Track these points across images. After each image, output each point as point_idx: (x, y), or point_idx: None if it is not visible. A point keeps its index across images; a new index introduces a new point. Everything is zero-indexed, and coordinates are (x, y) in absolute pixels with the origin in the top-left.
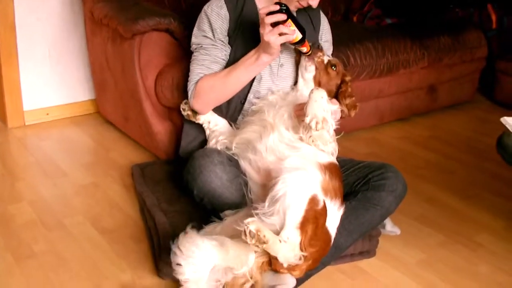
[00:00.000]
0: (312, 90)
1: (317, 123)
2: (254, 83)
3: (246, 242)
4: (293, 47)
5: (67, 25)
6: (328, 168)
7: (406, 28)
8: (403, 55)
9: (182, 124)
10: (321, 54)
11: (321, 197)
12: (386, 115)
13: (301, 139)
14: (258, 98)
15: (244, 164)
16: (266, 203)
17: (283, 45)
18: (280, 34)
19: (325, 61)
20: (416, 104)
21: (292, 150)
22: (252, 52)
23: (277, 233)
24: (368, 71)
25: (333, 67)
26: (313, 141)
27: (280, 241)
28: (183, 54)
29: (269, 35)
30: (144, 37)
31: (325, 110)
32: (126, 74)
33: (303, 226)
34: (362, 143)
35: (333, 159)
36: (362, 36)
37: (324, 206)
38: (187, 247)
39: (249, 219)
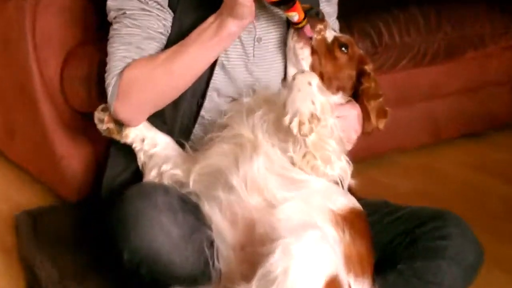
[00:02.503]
0: (294, 74)
1: (300, 123)
2: (216, 70)
3: None
4: (276, 10)
5: None
6: (349, 220)
7: None
8: (473, 27)
9: (107, 143)
10: (321, 26)
11: (343, 277)
12: (445, 127)
13: (292, 161)
14: (224, 97)
15: (209, 210)
16: (253, 285)
17: (259, 3)
18: None
19: (329, 39)
20: (495, 110)
21: (289, 186)
22: (211, 18)
23: None
24: (414, 54)
25: (343, 48)
26: (308, 161)
27: None
28: (108, 26)
29: None
30: None
31: (315, 103)
32: (11, 56)
33: None
34: (404, 173)
35: (354, 201)
36: None
37: None
38: None
39: None
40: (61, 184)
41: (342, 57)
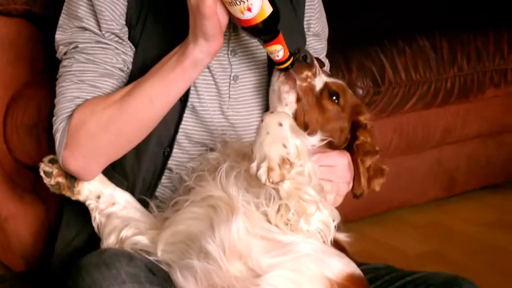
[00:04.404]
0: (263, 115)
1: (269, 169)
2: (187, 114)
3: None
4: (249, 37)
5: None
6: None
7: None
8: (492, 61)
9: (59, 202)
10: (308, 73)
11: None
12: (459, 179)
13: (267, 217)
14: (197, 145)
15: (181, 281)
16: None
17: (236, 32)
18: None
19: (317, 87)
20: None
21: (274, 250)
22: (176, 49)
23: None
24: (423, 93)
25: (333, 97)
26: (282, 216)
27: None
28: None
29: None
30: None
31: (287, 146)
32: None
33: None
34: (411, 233)
35: (353, 266)
36: (409, 23)
37: None
38: None
39: None
40: (5, 250)
41: (332, 108)
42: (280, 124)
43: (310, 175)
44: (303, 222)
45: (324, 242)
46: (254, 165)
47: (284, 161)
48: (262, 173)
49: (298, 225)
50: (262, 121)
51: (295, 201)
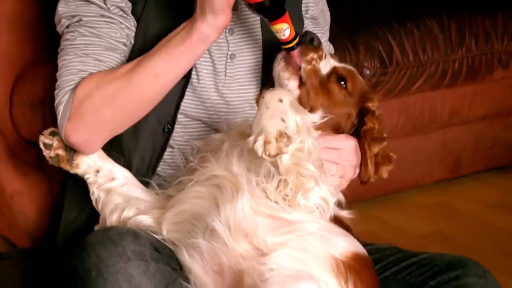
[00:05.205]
0: (263, 92)
1: (266, 142)
2: (188, 91)
3: None
4: (253, 14)
5: None
6: (353, 268)
7: None
8: (501, 42)
9: (64, 179)
10: (314, 55)
11: None
12: (465, 160)
13: (266, 193)
14: (197, 122)
15: (188, 260)
16: None
17: (236, 10)
18: None
19: (323, 70)
20: None
21: (280, 229)
22: (182, 24)
23: None
24: (430, 74)
25: (341, 82)
26: (280, 192)
27: None
28: None
29: None
30: None
31: (286, 121)
32: None
33: None
34: (417, 214)
35: (357, 245)
36: (417, 4)
37: None
38: None
39: None
40: (11, 227)
41: (338, 92)
42: (281, 100)
43: (310, 151)
44: (301, 197)
45: (323, 218)
46: (251, 138)
47: (281, 135)
48: (259, 146)
49: (295, 200)
50: (263, 97)
51: (294, 177)
